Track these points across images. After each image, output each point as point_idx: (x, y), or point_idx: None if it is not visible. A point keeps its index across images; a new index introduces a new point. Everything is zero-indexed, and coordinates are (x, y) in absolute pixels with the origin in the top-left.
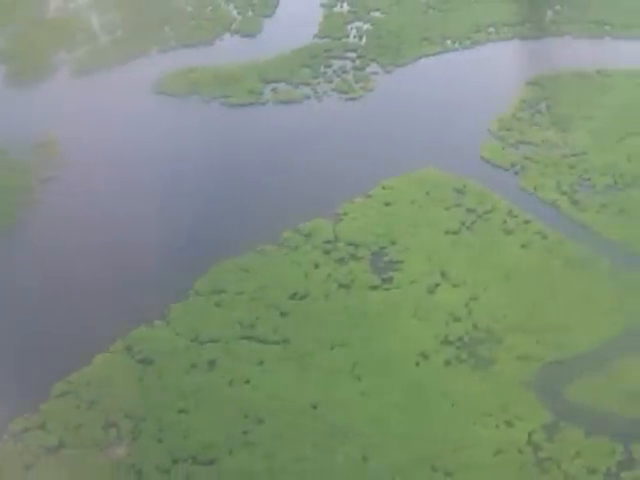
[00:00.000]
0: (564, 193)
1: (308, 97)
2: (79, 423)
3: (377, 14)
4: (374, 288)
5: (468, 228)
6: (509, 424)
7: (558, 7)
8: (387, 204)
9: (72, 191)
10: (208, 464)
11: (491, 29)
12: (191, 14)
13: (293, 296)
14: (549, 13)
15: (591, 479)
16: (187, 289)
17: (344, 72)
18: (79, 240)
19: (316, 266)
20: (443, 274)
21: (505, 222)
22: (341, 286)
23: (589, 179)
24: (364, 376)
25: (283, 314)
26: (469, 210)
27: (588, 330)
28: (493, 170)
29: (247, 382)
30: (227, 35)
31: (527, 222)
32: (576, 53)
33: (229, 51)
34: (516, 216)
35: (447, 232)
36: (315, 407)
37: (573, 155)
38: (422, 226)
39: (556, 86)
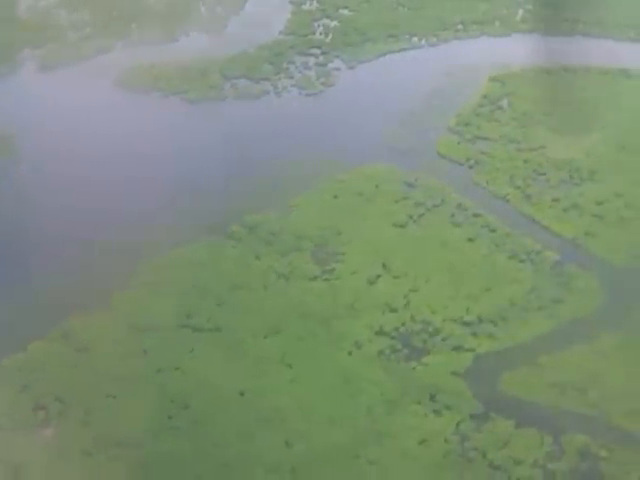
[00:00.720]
0: (517, 187)
1: (267, 93)
2: (7, 406)
3: (346, 12)
4: (314, 279)
5: (415, 221)
6: (437, 413)
7: (530, 6)
8: (335, 197)
9: (21, 184)
10: (132, 447)
11: (459, 26)
12: (158, 11)
13: (232, 286)
14: (520, 12)
15: (516, 469)
16: (129, 278)
17: (306, 68)
18: (26, 230)
19: (257, 257)
20: (385, 266)
21: (453, 215)
22: (280, 276)
23: (544, 174)
24: (295, 364)
25: (219, 304)
26: (418, 203)
27: (526, 323)
28: (448, 164)
29: (177, 369)
30: (193, 32)
31: (476, 215)
32: (544, 50)
33: (193, 47)
34: (465, 209)
35: (394, 225)
36: (242, 394)
37: (530, 150)
38: (369, 219)
39: (519, 82)
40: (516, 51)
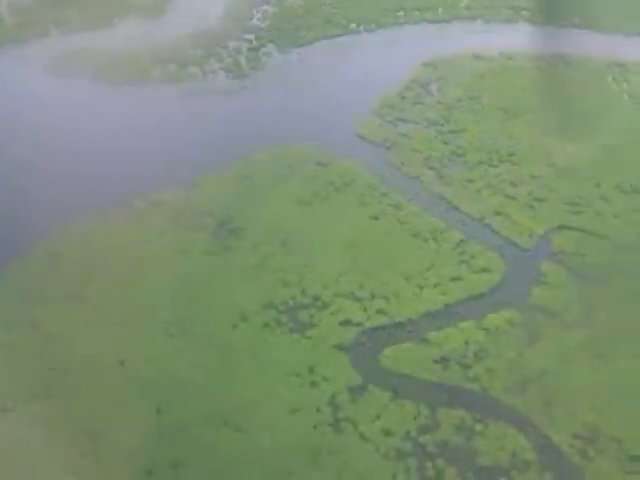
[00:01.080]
0: (432, 168)
1: (195, 76)
2: None
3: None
4: (211, 254)
5: (322, 199)
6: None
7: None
8: (245, 176)
9: None
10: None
11: (400, 13)
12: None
13: (131, 260)
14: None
15: (386, 441)
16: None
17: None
18: None
19: (161, 233)
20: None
21: (362, 195)
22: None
23: (463, 155)
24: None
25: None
26: (328, 182)
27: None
28: (365, 145)
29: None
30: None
31: (384, 195)
32: (482, 36)
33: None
34: (375, 189)
35: (299, 203)
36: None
37: (451, 132)
38: (275, 197)
39: (450, 67)
40: (454, 36)
